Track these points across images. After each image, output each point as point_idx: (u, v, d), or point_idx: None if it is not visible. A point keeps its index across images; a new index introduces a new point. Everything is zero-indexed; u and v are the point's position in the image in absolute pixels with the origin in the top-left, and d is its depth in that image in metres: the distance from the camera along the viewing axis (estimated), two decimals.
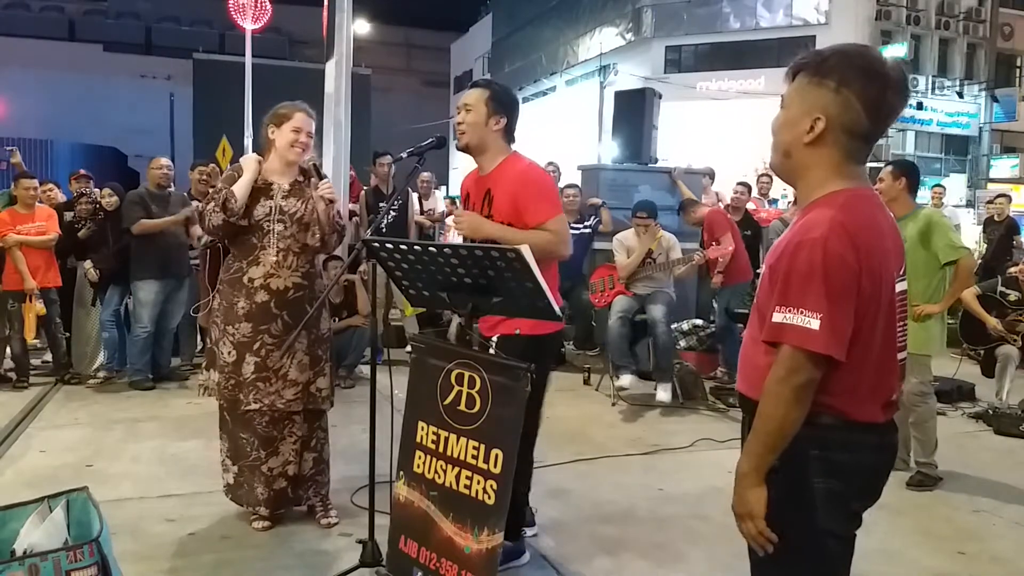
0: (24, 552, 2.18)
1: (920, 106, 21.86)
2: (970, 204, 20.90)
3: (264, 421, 3.32)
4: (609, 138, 9.72)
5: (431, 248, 2.49)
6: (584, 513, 3.74)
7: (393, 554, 2.65)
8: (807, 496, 1.61)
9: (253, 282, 3.28)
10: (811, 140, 1.63)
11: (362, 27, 24.72)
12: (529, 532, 3.30)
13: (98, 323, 6.21)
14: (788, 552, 1.62)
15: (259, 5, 15.68)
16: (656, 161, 7.84)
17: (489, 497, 2.32)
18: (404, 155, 3.13)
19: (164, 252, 5.94)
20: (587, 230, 6.93)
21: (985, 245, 9.20)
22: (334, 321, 5.67)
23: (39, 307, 5.90)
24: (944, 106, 23.26)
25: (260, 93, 13.37)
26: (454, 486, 2.42)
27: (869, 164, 1.79)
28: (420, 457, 2.55)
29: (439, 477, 2.47)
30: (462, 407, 2.44)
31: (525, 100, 28.21)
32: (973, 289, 5.80)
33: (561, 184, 7.06)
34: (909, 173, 4.22)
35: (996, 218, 9.11)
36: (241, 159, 3.42)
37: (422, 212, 8.07)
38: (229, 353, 3.28)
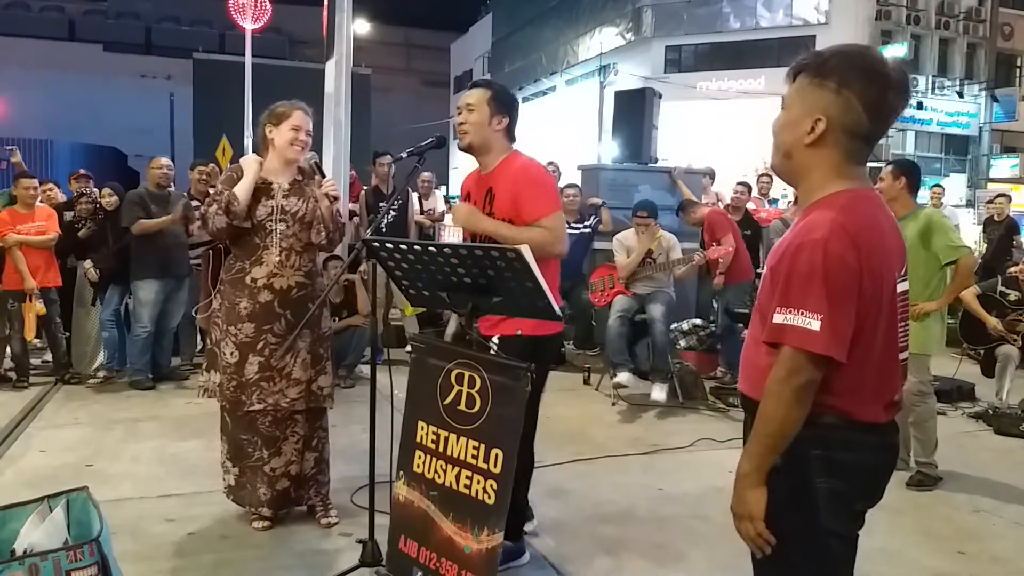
0: (24, 552, 2.18)
1: (920, 106, 21.87)
2: (970, 204, 20.91)
3: (267, 421, 3.32)
4: (609, 138, 9.73)
5: (431, 248, 2.49)
6: (584, 513, 3.74)
7: (393, 554, 2.65)
8: (810, 496, 1.62)
9: (256, 282, 3.27)
10: (812, 141, 1.63)
11: (362, 27, 24.73)
12: (529, 527, 3.30)
13: (98, 323, 6.21)
14: (791, 552, 1.62)
15: (259, 5, 15.70)
16: (656, 161, 7.84)
17: (489, 497, 2.31)
18: (404, 155, 3.13)
19: (164, 252, 5.93)
20: (587, 230, 6.94)
21: (985, 245, 9.20)
22: (334, 321, 5.67)
23: (39, 307, 5.90)
24: (944, 106, 23.28)
25: (260, 93, 13.38)
26: (454, 486, 2.42)
27: (869, 164, 1.78)
28: (420, 457, 2.55)
29: (439, 477, 2.47)
30: (462, 407, 2.43)
31: (525, 100, 28.25)
32: (973, 289, 5.80)
33: (561, 184, 7.06)
34: (909, 173, 4.21)
35: (996, 218, 9.11)
36: (241, 160, 3.42)
37: (422, 212, 8.07)
38: (231, 354, 3.27)
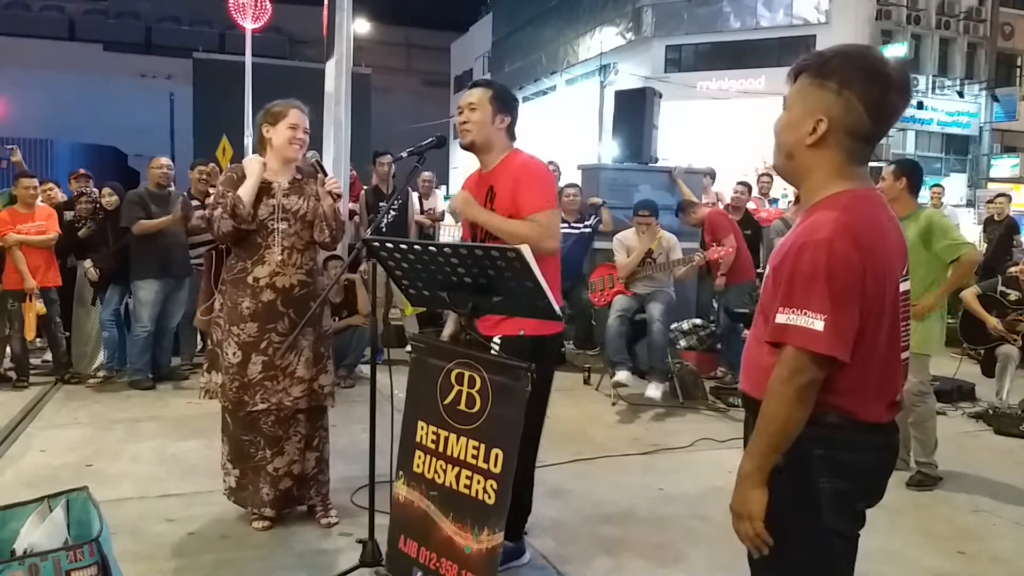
0: (24, 552, 2.18)
1: (920, 106, 21.86)
2: (970, 204, 20.90)
3: (270, 421, 3.32)
4: (609, 138, 9.73)
5: (431, 247, 2.48)
6: (584, 513, 3.74)
7: (393, 554, 2.65)
8: (812, 495, 1.61)
9: (259, 281, 3.27)
10: (813, 142, 1.63)
11: (362, 27, 24.74)
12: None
13: (98, 322, 6.21)
14: (793, 552, 1.62)
15: (259, 4, 15.69)
16: (656, 161, 7.84)
17: (489, 497, 2.31)
18: (404, 154, 3.13)
19: (164, 252, 5.93)
20: (587, 230, 6.93)
21: (985, 245, 9.19)
22: (334, 320, 5.67)
23: (39, 306, 5.90)
24: (944, 106, 23.28)
25: (260, 93, 13.36)
26: (454, 486, 2.42)
27: (871, 163, 1.79)
28: (420, 457, 2.55)
29: (439, 477, 2.47)
30: (462, 407, 2.43)
31: (525, 100, 28.24)
32: (973, 289, 5.80)
33: (561, 184, 7.06)
34: (911, 173, 4.20)
35: (996, 218, 9.12)
36: (244, 160, 3.41)
37: (422, 211, 8.07)
38: (234, 354, 3.27)
